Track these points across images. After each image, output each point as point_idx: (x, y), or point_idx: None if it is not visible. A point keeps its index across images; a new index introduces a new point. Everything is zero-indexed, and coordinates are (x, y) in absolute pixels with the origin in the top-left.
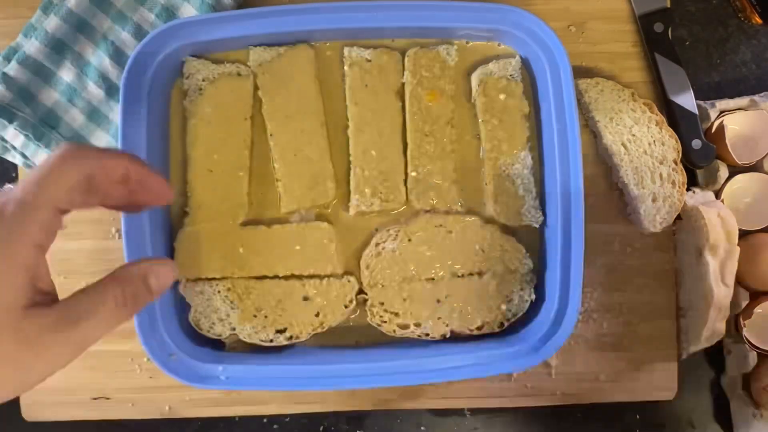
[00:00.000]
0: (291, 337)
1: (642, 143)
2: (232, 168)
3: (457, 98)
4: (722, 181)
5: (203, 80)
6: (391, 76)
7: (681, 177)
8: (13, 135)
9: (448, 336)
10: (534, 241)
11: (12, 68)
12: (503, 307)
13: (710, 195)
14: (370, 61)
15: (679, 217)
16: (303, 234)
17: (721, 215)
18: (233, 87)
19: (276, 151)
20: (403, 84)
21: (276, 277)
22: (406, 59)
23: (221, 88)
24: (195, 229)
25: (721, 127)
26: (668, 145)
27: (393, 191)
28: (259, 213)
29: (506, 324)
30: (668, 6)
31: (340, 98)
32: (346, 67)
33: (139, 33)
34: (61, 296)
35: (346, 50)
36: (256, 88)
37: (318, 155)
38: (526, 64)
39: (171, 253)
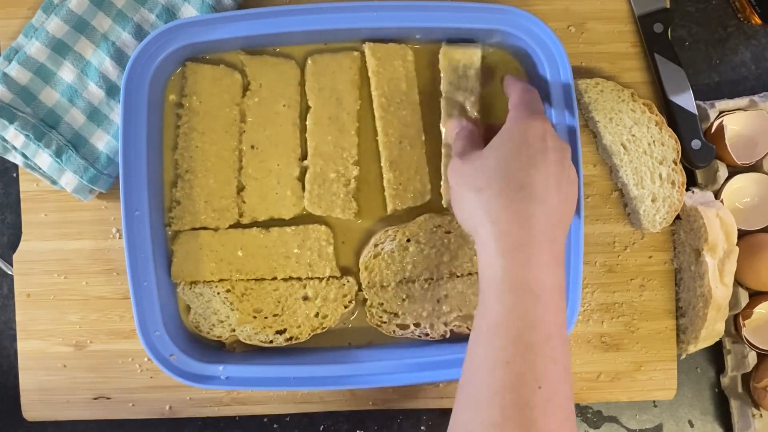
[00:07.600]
0: (291, 338)
1: (641, 143)
2: (227, 169)
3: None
4: (721, 182)
5: (200, 83)
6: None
7: (680, 177)
8: (14, 135)
9: (448, 336)
10: None
11: (13, 68)
12: None
13: (709, 195)
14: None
15: (678, 217)
16: (301, 236)
17: (720, 215)
18: (228, 89)
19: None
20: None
21: (275, 278)
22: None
23: (216, 90)
24: (194, 232)
25: (721, 127)
26: (668, 145)
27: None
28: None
29: None
30: (668, 6)
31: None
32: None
33: (139, 33)
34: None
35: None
36: (245, 89)
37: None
38: (526, 64)
39: (170, 255)
